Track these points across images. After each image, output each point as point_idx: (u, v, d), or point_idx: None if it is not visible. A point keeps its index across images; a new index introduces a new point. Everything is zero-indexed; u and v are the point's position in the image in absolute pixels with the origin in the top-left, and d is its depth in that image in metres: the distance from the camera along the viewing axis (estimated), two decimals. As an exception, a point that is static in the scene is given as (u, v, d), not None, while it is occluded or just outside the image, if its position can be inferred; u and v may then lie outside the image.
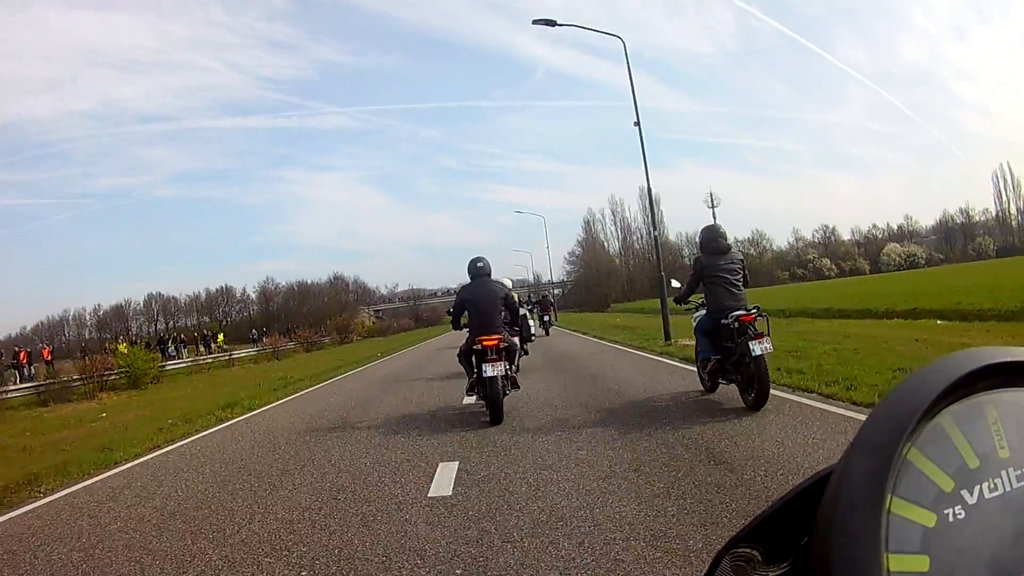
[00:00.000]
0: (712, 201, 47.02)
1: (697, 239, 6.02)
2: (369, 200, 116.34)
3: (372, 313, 65.70)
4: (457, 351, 6.44)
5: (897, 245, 75.08)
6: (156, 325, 77.08)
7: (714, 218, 41.53)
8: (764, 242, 77.53)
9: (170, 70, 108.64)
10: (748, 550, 0.41)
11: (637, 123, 13.63)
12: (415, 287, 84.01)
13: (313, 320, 47.57)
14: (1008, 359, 0.35)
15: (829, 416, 4.64)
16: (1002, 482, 0.33)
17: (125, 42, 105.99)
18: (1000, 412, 0.34)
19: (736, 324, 5.13)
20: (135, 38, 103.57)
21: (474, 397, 6.30)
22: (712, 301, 5.42)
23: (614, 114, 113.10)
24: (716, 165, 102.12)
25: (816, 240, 75.10)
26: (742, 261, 5.55)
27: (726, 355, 5.34)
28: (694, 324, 5.77)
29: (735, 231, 73.81)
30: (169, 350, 32.16)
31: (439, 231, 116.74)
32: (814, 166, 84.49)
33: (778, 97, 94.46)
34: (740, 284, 5.39)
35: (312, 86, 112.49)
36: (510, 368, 6.09)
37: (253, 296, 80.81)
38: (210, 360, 27.03)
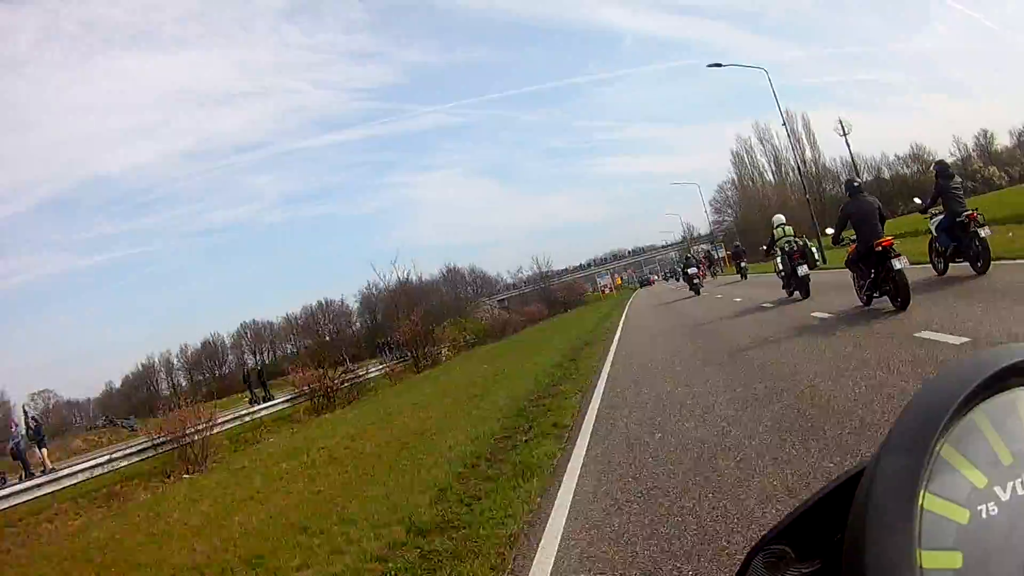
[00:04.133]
0: (843, 128, 41.68)
1: (933, 169, 9.10)
2: (480, 191, 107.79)
3: (495, 304, 56.38)
4: (844, 261, 7.77)
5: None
6: (256, 356, 66.06)
7: (848, 144, 38.70)
8: (926, 156, 63.68)
9: (257, 98, 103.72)
10: (781, 547, 0.41)
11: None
12: (541, 268, 67.48)
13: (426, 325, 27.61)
14: None
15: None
16: None
17: (206, 77, 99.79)
18: None
19: (967, 219, 7.60)
20: (214, 72, 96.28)
21: (865, 297, 7.32)
22: (950, 208, 7.95)
23: (710, 71, 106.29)
24: (826, 107, 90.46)
25: (974, 150, 61.19)
26: (961, 182, 8.37)
27: (957, 243, 7.85)
28: (933, 225, 8.31)
29: (889, 149, 64.42)
30: None
31: (556, 211, 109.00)
32: (922, 93, 74.70)
33: (874, 33, 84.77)
34: (963, 197, 8.06)
35: (403, 89, 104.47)
36: None
37: (354, 308, 65.80)
38: None
